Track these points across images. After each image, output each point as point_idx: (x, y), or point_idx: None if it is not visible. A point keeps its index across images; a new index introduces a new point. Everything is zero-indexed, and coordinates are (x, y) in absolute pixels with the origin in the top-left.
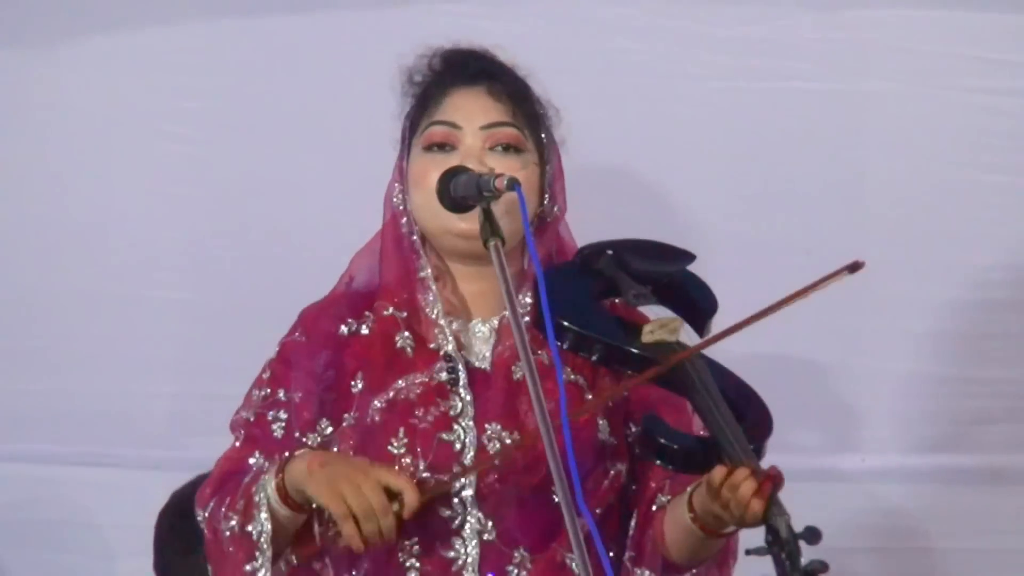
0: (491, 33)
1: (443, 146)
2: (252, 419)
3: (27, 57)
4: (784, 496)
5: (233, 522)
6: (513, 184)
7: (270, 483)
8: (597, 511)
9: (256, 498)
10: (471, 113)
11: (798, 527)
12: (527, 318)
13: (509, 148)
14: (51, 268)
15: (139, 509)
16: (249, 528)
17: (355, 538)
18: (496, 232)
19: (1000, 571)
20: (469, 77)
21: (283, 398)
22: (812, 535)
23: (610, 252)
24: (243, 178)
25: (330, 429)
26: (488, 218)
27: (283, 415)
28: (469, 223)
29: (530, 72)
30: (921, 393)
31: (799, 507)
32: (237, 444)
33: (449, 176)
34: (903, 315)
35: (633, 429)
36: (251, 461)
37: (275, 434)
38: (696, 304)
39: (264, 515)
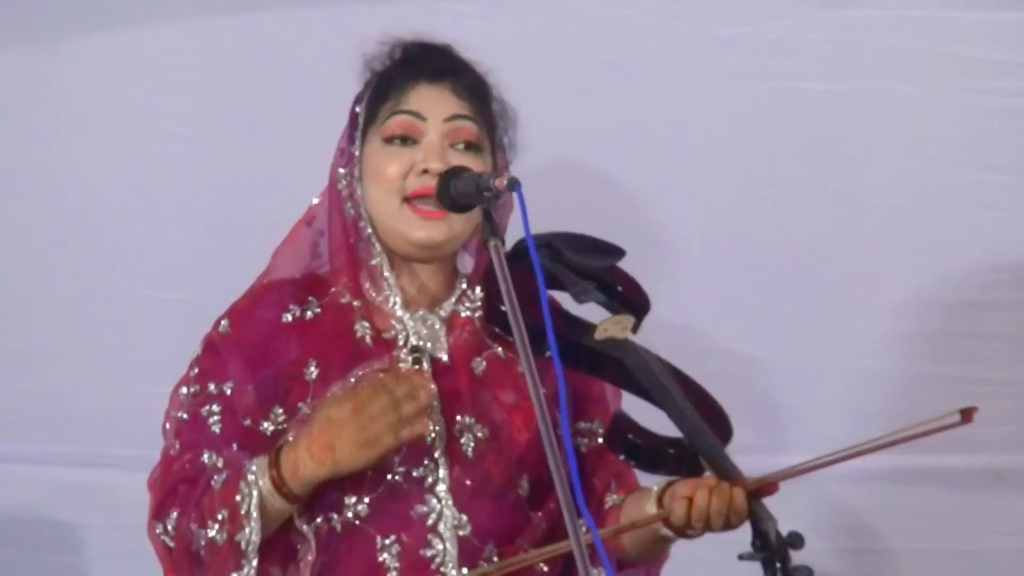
0: (490, 31)
1: (404, 139)
2: (186, 418)
3: (26, 56)
4: (785, 498)
5: (214, 532)
6: (513, 184)
7: (259, 483)
8: (552, 506)
9: (243, 508)
10: (435, 105)
11: (783, 532)
12: (479, 313)
13: (470, 146)
14: (51, 268)
15: (138, 509)
16: (238, 538)
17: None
18: (496, 232)
19: (1000, 571)
20: (434, 73)
21: (213, 391)
22: (797, 540)
23: (546, 247)
24: (243, 178)
25: (283, 417)
26: (488, 218)
27: (216, 408)
28: (428, 232)
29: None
30: (921, 393)
31: (800, 508)
32: (173, 452)
33: (449, 176)
34: (903, 315)
35: (583, 425)
36: (204, 459)
37: (212, 429)
38: (629, 301)
39: (253, 525)
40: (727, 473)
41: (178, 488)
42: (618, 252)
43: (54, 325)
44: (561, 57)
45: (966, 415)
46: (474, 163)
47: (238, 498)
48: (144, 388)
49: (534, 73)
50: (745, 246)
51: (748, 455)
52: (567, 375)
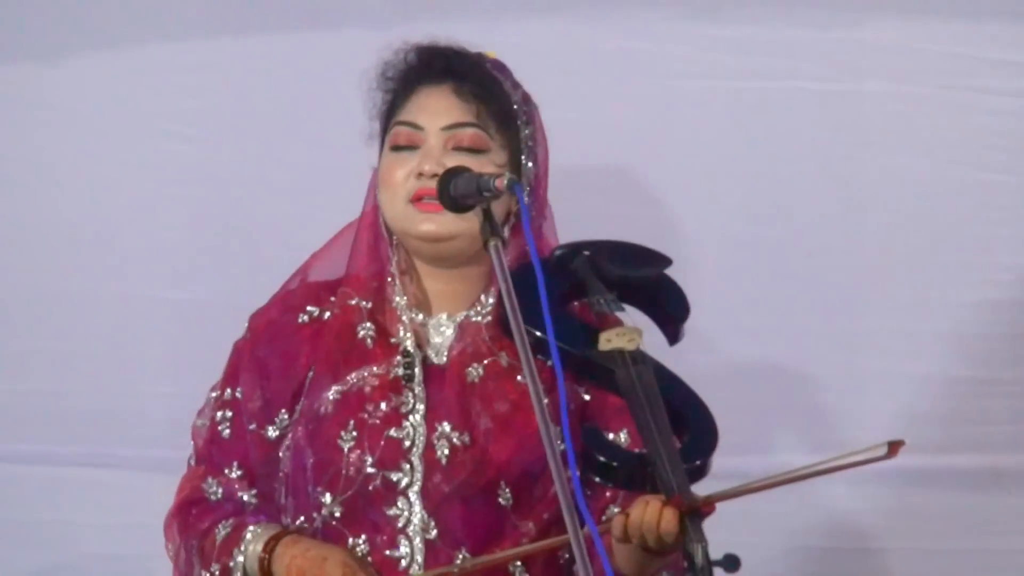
0: (494, 45)
1: (406, 146)
2: (207, 424)
3: (33, 67)
4: (785, 498)
5: None
6: (513, 184)
7: (253, 559)
8: (544, 516)
9: (235, 573)
10: (434, 114)
11: (718, 554)
12: (488, 319)
13: (470, 150)
14: (51, 268)
15: (139, 509)
16: None
17: None
18: (496, 232)
19: (1000, 571)
20: (435, 75)
21: (228, 396)
22: (731, 563)
23: (586, 253)
24: (244, 178)
25: (287, 420)
26: (488, 218)
27: (229, 414)
28: (431, 225)
29: (534, 69)
30: (921, 393)
31: (800, 508)
32: (191, 463)
33: (449, 176)
34: (902, 316)
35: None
36: (204, 486)
37: (223, 435)
38: (668, 309)
39: None
40: (668, 491)
41: (183, 509)
42: (664, 261)
43: (54, 325)
44: (560, 58)
45: (892, 448)
46: (473, 164)
47: (231, 564)
48: (144, 388)
49: (535, 75)
50: (743, 246)
51: (742, 455)
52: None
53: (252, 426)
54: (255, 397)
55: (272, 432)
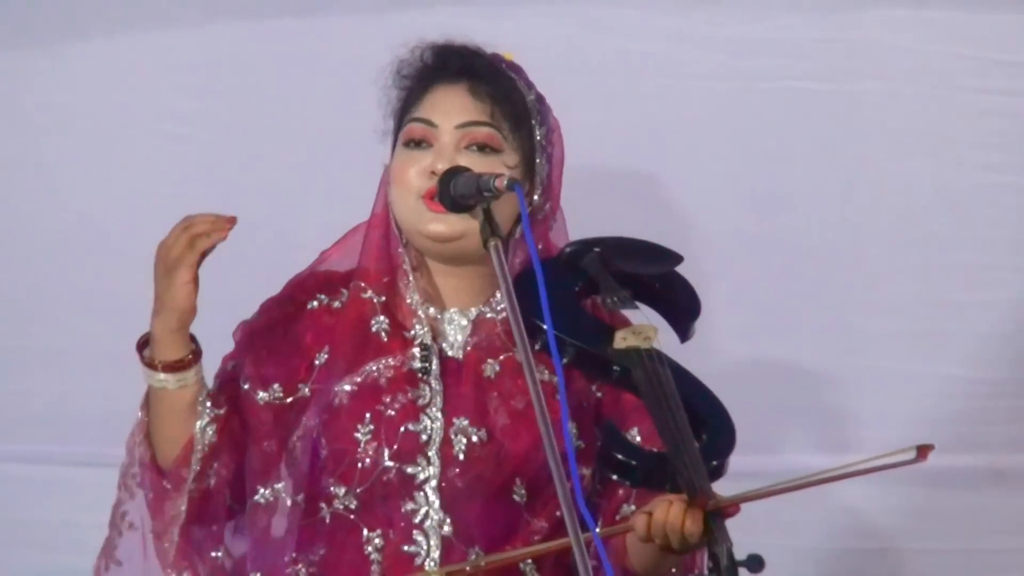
0: (492, 35)
1: (419, 143)
2: None
3: (28, 57)
4: (786, 498)
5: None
6: (513, 184)
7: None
8: (557, 514)
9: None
10: (448, 111)
11: (742, 554)
12: (503, 314)
13: (484, 148)
14: (52, 268)
15: None
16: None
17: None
18: (496, 232)
19: (1000, 571)
20: (451, 74)
21: (229, 368)
22: (755, 563)
23: (597, 250)
24: (243, 178)
25: (281, 393)
26: (488, 218)
27: (217, 382)
28: (440, 226)
29: (534, 68)
30: (921, 393)
31: (801, 509)
32: None
33: (449, 176)
34: (902, 315)
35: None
36: None
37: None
38: (679, 306)
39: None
40: (692, 491)
41: None
42: (675, 258)
43: (55, 325)
44: (560, 58)
45: (921, 452)
46: (484, 164)
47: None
48: (144, 388)
49: (533, 75)
50: (743, 246)
51: (744, 455)
52: (600, 384)
53: (246, 386)
54: (248, 363)
55: (261, 396)
